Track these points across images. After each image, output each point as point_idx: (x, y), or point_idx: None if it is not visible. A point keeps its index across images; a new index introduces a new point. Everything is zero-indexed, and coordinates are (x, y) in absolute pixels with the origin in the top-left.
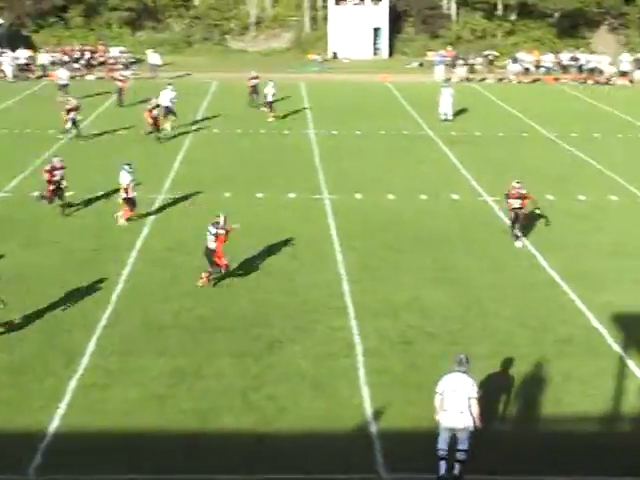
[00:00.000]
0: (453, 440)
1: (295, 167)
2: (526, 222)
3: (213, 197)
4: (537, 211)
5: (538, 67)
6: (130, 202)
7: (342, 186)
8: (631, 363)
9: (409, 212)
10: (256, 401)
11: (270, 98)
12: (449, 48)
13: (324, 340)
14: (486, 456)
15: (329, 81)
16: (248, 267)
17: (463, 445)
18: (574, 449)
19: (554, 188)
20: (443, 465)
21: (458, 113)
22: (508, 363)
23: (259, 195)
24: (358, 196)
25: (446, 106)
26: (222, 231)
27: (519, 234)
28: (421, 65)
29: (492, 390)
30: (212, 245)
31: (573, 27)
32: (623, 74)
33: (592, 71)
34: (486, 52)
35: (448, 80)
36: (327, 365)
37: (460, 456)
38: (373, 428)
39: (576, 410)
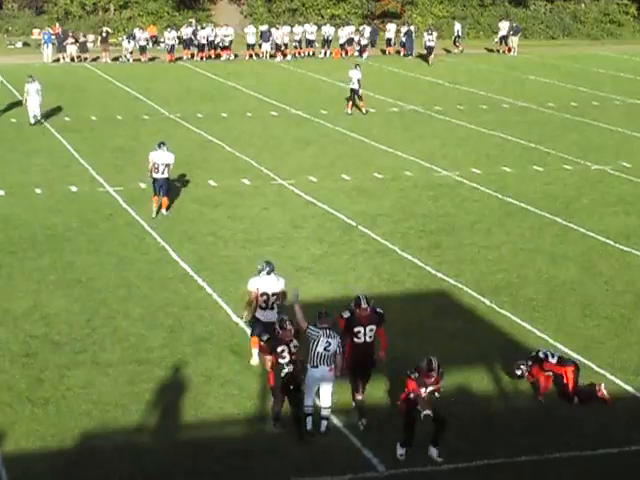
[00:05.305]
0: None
1: None
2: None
3: None
4: None
5: (157, 43)
6: None
7: None
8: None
9: (21, 208)
10: None
11: None
12: (56, 25)
13: None
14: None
15: None
16: None
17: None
18: (219, 454)
19: (182, 174)
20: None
21: (71, 96)
22: (142, 368)
23: None
24: None
25: (34, 106)
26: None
27: None
28: (26, 45)
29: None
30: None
31: None
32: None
33: (214, 45)
34: (104, 29)
35: (31, 77)
36: None
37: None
38: None
39: (218, 413)
